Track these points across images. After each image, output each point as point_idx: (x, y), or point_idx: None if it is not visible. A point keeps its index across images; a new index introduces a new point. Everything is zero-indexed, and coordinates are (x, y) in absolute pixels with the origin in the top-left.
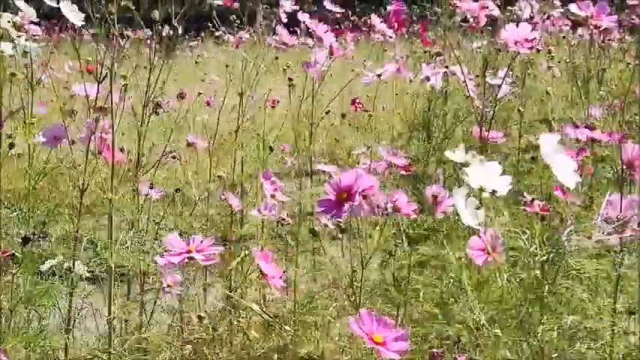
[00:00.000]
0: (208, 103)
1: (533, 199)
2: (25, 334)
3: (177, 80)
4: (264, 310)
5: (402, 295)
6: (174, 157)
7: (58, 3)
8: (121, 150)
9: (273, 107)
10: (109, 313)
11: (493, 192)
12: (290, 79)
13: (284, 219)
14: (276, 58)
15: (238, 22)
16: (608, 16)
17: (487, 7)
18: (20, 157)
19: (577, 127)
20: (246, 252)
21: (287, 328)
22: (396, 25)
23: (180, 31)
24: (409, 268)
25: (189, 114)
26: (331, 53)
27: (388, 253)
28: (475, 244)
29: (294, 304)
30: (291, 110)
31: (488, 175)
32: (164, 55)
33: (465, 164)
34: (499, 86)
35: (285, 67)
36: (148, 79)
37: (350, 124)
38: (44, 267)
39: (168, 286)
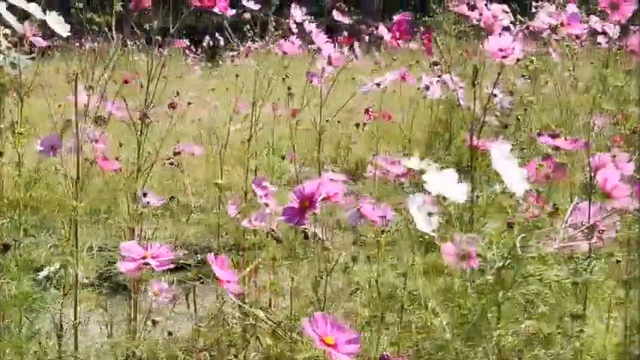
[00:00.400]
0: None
1: None
2: (17, 338)
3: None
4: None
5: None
6: (171, 164)
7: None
8: (117, 159)
9: (294, 116)
10: (75, 318)
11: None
12: (289, 88)
13: (273, 230)
14: (285, 67)
15: (251, 32)
16: (579, 24)
17: (496, 17)
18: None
19: (554, 136)
20: (259, 260)
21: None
22: (398, 34)
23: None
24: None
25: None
26: (330, 63)
27: (352, 259)
28: (449, 249)
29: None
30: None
31: (446, 183)
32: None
33: (422, 172)
34: (492, 95)
35: (284, 77)
36: (147, 88)
37: (360, 132)
38: (41, 274)
39: (154, 294)
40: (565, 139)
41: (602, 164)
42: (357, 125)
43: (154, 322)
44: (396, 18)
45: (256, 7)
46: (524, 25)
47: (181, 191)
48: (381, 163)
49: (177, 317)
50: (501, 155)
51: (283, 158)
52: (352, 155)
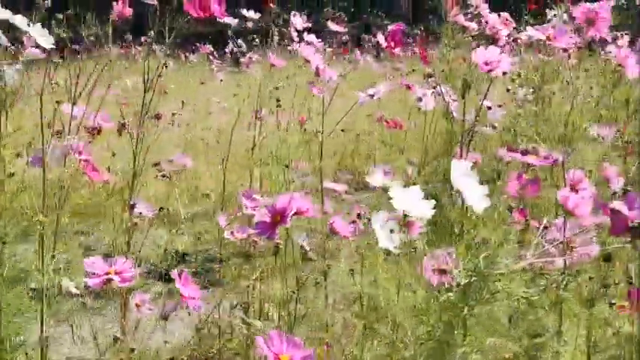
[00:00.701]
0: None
1: None
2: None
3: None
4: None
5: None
6: (163, 176)
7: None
8: (108, 169)
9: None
10: (41, 332)
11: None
12: (278, 100)
13: (256, 241)
14: (287, 77)
15: (257, 40)
16: (566, 38)
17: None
18: None
19: (525, 152)
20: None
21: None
22: (392, 44)
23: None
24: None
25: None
26: (317, 74)
27: (322, 274)
28: (427, 264)
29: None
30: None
31: (412, 200)
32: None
33: (385, 188)
34: (483, 107)
35: (276, 87)
36: (143, 97)
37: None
38: (32, 284)
39: (136, 305)
40: (538, 155)
41: (577, 180)
42: (369, 134)
43: (116, 339)
44: (390, 28)
45: (256, 16)
46: (512, 38)
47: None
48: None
49: (175, 325)
50: (461, 172)
51: (287, 167)
52: (368, 164)
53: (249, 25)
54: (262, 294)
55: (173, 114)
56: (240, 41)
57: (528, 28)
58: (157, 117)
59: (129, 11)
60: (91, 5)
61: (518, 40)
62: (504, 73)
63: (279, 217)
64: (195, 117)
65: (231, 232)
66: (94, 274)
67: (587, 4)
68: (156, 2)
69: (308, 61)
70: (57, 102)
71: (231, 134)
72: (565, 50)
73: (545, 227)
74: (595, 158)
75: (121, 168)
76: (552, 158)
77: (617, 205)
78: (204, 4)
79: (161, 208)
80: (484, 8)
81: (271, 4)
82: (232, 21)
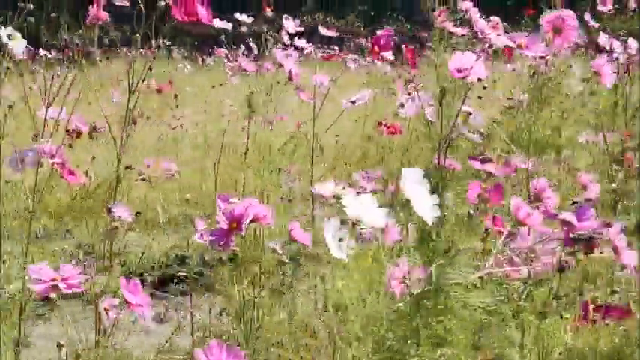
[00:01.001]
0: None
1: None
2: None
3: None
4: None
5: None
6: (143, 180)
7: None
8: (86, 173)
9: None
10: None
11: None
12: (249, 105)
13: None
14: (277, 82)
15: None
16: (537, 46)
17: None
18: None
19: (485, 161)
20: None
21: None
22: (378, 49)
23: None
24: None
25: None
26: (290, 79)
27: (280, 284)
28: (393, 274)
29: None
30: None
31: (365, 208)
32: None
33: (337, 197)
34: (458, 112)
35: (251, 92)
36: (128, 99)
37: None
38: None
39: (105, 310)
40: (497, 164)
41: (541, 189)
42: (369, 138)
43: (60, 346)
44: (379, 33)
45: (249, 19)
46: (487, 45)
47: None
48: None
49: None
50: (412, 180)
51: (279, 172)
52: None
53: (244, 29)
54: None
55: (179, 117)
56: (251, 44)
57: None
58: (134, 122)
59: (104, 15)
60: (68, 7)
61: (494, 48)
62: (479, 80)
63: (235, 224)
64: (206, 118)
65: (201, 235)
66: (40, 280)
67: (555, 11)
68: (128, 4)
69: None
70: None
71: (222, 138)
72: (542, 58)
73: (509, 235)
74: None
75: (106, 171)
76: (513, 167)
77: (567, 216)
78: (190, 9)
79: (137, 213)
80: (474, 13)
81: (268, 9)
82: (227, 25)
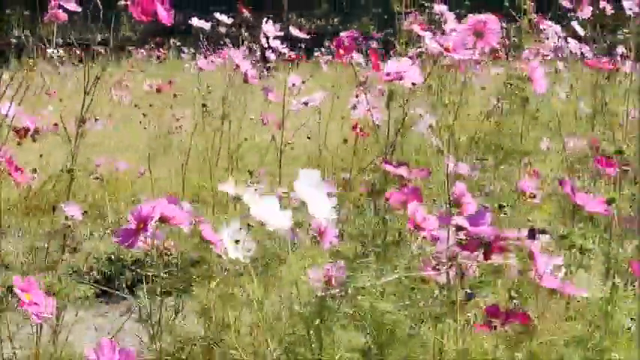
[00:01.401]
0: None
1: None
2: None
3: None
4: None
5: None
6: (96, 179)
7: None
8: (34, 171)
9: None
10: None
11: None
12: (204, 105)
13: (168, 249)
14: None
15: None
16: (464, 50)
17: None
18: None
19: (397, 165)
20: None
21: None
22: (341, 51)
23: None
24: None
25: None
26: (245, 81)
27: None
28: (314, 275)
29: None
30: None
31: (269, 210)
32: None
33: (237, 197)
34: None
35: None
36: (83, 100)
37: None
38: None
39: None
40: (410, 168)
41: (460, 194)
42: (345, 141)
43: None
44: (342, 34)
45: (229, 20)
46: (417, 50)
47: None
48: None
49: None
50: (309, 183)
51: (251, 174)
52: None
53: (222, 30)
54: None
55: (178, 119)
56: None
57: (427, 38)
58: (82, 121)
59: (63, 16)
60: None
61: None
62: (413, 84)
63: (142, 224)
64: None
65: (144, 239)
66: None
67: (481, 15)
68: (79, 8)
69: (238, 66)
70: None
71: (190, 139)
72: (477, 63)
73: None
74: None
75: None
76: (427, 171)
77: (460, 220)
78: (148, 7)
79: (84, 212)
80: (450, 17)
81: (245, 10)
82: (205, 25)
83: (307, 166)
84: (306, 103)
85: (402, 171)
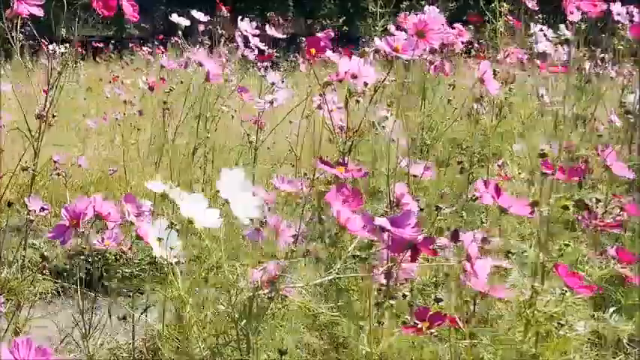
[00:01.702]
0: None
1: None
2: None
3: None
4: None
5: None
6: (58, 175)
7: None
8: None
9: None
10: None
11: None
12: (164, 103)
13: (124, 251)
14: (225, 80)
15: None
16: (411, 51)
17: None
18: None
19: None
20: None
21: None
22: (312, 51)
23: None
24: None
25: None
26: (207, 80)
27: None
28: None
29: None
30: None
31: (198, 208)
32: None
33: (164, 195)
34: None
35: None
36: (46, 93)
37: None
38: None
39: None
40: (350, 168)
41: (400, 195)
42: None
43: None
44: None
45: (205, 18)
46: (373, 49)
47: None
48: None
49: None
50: (232, 182)
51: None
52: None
53: (201, 27)
54: None
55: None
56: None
57: (376, 39)
58: (40, 117)
59: (24, 10)
60: None
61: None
62: (366, 85)
63: (75, 220)
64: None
65: (102, 239)
66: None
67: (420, 15)
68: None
69: (201, 65)
70: None
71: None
72: (432, 64)
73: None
74: None
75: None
76: (364, 171)
77: (381, 221)
78: (110, 2)
79: (42, 208)
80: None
81: (223, 8)
82: (184, 22)
83: (284, 166)
84: (271, 102)
85: (336, 171)
